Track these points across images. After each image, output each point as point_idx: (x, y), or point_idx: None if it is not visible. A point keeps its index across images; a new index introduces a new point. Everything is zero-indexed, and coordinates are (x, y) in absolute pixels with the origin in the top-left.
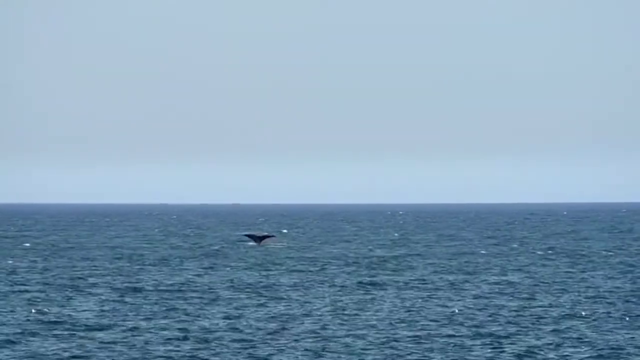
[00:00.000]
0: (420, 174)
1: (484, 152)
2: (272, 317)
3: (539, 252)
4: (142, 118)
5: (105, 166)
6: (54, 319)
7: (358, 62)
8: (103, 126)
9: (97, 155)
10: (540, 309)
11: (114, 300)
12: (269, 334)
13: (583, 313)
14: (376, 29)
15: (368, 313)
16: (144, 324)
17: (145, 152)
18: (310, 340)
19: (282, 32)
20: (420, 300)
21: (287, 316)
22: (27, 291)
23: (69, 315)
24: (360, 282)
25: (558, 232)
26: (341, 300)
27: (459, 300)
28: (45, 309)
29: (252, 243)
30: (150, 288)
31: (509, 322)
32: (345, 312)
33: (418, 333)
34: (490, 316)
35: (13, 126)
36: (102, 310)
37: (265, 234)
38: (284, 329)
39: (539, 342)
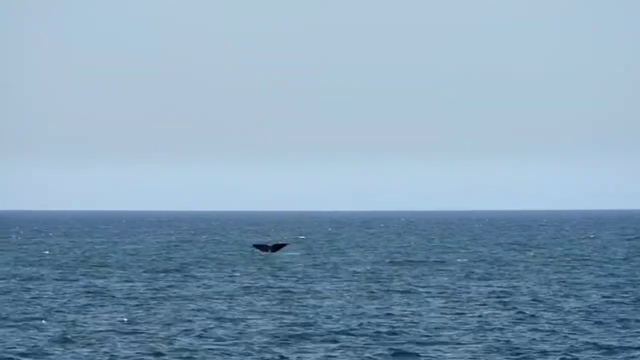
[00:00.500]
0: (420, 174)
1: (484, 153)
2: (290, 323)
3: (558, 258)
4: (142, 118)
5: (105, 166)
6: (74, 328)
7: (358, 62)
8: (103, 126)
9: (97, 155)
10: (560, 315)
11: (133, 308)
12: (287, 339)
13: (605, 318)
14: (376, 29)
15: (387, 320)
16: (163, 330)
17: (145, 153)
18: (327, 347)
19: (282, 32)
20: (439, 307)
21: (304, 323)
22: (46, 297)
23: (88, 323)
24: (378, 289)
25: (575, 238)
26: (359, 307)
27: (478, 307)
28: (65, 318)
29: (265, 252)
30: (170, 295)
31: (530, 330)
32: (363, 320)
33: (438, 340)
34: (512, 323)
35: (13, 126)
36: (122, 318)
37: (282, 242)
38: (301, 336)
39: (560, 348)
